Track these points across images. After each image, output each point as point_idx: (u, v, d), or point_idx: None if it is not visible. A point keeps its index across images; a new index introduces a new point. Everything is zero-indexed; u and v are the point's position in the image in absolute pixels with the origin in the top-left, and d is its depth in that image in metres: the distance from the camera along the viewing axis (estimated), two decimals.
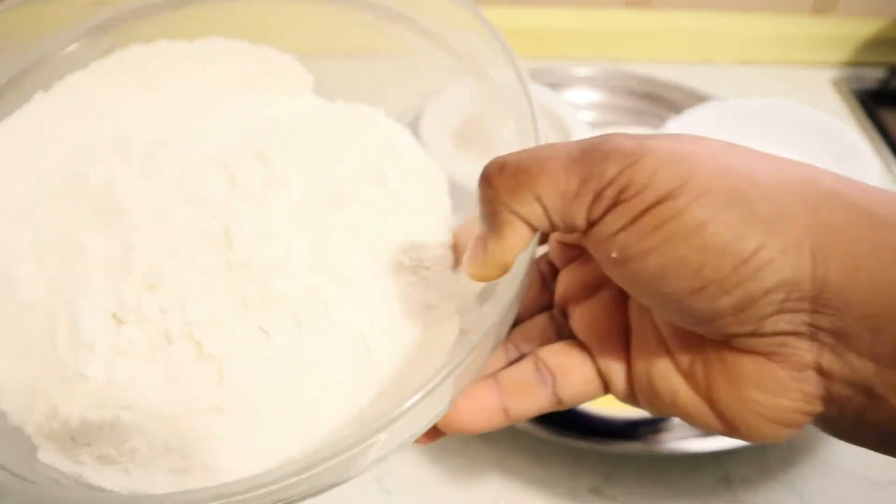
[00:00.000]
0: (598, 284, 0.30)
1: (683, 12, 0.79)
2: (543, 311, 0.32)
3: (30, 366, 0.30)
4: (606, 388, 0.29)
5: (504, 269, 0.26)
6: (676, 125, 0.70)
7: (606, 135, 0.23)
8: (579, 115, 0.73)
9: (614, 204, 0.22)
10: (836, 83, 0.78)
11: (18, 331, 0.30)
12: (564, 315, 0.31)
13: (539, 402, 0.29)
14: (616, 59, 0.84)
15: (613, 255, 0.23)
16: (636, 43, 0.81)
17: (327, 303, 0.31)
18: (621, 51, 0.84)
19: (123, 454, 0.28)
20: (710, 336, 0.24)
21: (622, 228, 0.22)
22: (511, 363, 0.30)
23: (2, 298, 0.31)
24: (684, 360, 0.26)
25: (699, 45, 0.80)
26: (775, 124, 0.68)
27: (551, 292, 0.32)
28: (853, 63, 0.80)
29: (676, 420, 0.36)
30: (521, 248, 0.25)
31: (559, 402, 0.29)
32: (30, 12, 0.34)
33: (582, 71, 0.87)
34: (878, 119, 0.73)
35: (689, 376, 0.26)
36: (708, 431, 0.27)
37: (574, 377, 0.29)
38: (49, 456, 0.28)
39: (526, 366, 0.29)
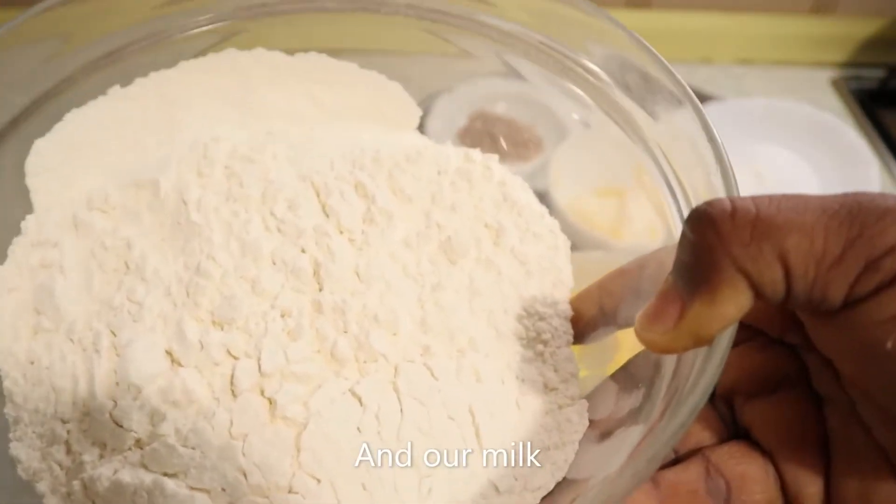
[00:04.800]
0: (779, 379, 0.24)
1: (683, 12, 0.78)
2: None
3: (55, 404, 0.24)
4: None
5: (701, 342, 0.20)
6: None
7: (872, 193, 0.18)
8: (574, 114, 0.74)
9: None
10: (836, 83, 0.77)
11: (51, 359, 0.24)
12: (729, 406, 0.25)
13: None
14: None
15: (889, 345, 0.17)
16: None
17: (434, 370, 0.25)
18: None
19: None
20: None
21: None
22: (672, 463, 0.23)
23: (39, 318, 0.25)
24: None
25: (699, 45, 0.79)
26: (775, 124, 0.68)
27: None
28: (853, 63, 0.79)
29: None
30: (735, 320, 0.19)
31: None
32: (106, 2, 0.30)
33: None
34: (877, 119, 0.72)
35: None
36: None
37: (755, 492, 0.22)
38: None
39: (694, 470, 0.23)
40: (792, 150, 0.66)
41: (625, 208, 0.36)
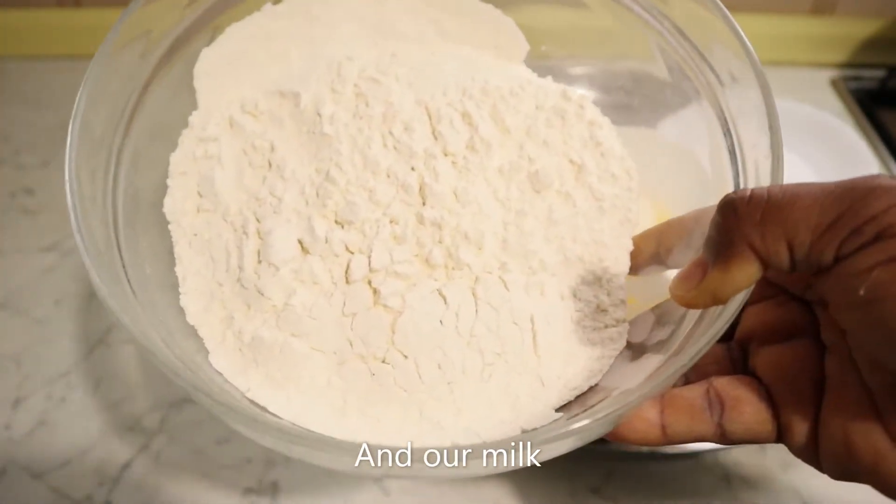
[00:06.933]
0: (791, 331, 0.28)
1: None
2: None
3: (214, 271, 0.31)
4: (779, 435, 0.27)
5: (717, 302, 0.25)
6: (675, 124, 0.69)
7: (867, 175, 0.22)
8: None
9: (875, 240, 0.21)
10: (836, 83, 0.76)
11: (210, 235, 0.31)
12: (744, 351, 0.30)
13: (700, 428, 0.27)
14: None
15: (861, 292, 0.21)
16: None
17: (507, 284, 0.30)
18: None
19: (289, 380, 0.29)
20: None
21: (879, 264, 0.21)
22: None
23: (202, 200, 0.32)
24: None
25: None
26: None
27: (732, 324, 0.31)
28: (853, 63, 0.78)
29: None
30: (745, 287, 0.24)
31: (723, 434, 0.27)
32: None
33: (579, 70, 0.85)
34: (877, 119, 0.72)
35: None
36: None
37: (746, 413, 0.27)
38: (219, 362, 0.29)
39: (696, 389, 0.28)
40: (792, 150, 0.65)
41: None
